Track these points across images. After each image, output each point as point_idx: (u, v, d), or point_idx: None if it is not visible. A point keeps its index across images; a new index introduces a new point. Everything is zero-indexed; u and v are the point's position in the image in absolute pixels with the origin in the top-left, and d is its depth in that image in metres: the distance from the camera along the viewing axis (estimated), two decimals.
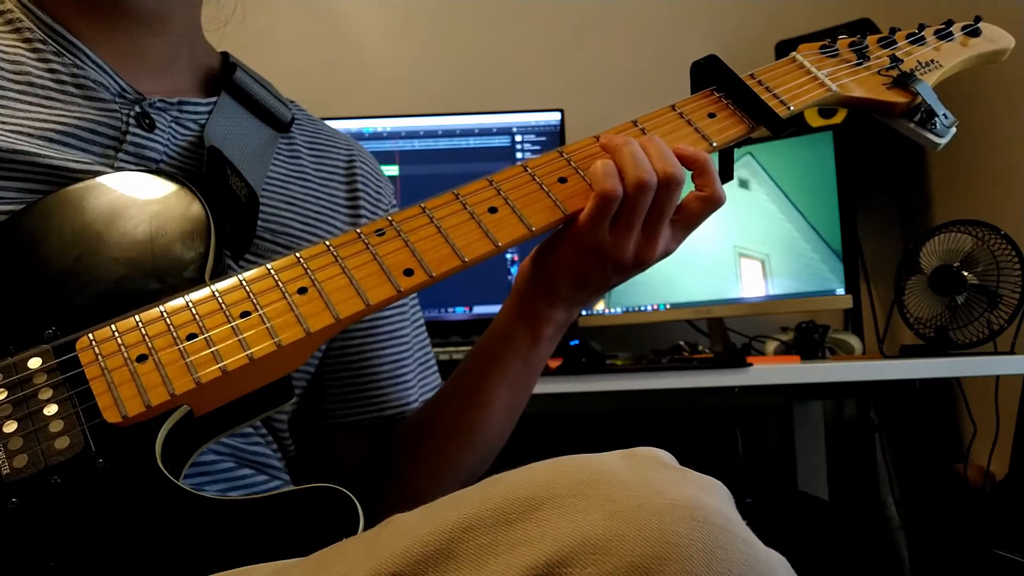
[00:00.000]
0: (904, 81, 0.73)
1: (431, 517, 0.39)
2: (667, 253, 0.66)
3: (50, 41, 0.66)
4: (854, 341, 1.70)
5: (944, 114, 0.73)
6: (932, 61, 0.77)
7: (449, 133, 1.78)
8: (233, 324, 0.55)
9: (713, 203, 0.65)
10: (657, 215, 0.63)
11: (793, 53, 0.76)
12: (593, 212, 0.62)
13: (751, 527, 0.38)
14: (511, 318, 0.71)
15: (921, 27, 0.80)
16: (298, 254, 0.59)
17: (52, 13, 0.67)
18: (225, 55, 0.79)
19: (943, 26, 0.80)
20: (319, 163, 0.80)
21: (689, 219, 0.66)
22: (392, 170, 1.76)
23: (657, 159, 0.63)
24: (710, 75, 0.72)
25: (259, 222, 0.69)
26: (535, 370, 0.73)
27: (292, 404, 0.72)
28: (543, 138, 1.80)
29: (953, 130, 0.74)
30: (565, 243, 0.65)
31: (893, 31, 0.80)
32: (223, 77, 0.75)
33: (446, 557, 0.37)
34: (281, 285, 0.57)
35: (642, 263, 0.64)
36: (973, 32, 0.80)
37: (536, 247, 0.68)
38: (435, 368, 0.85)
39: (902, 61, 0.76)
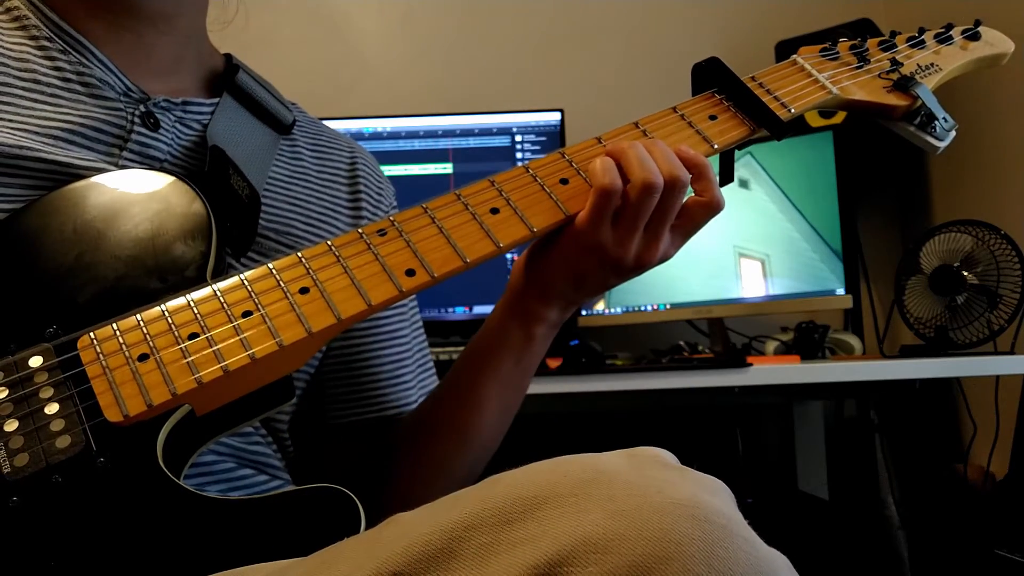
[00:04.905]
0: (904, 84, 0.74)
1: (432, 516, 0.39)
2: (666, 258, 0.66)
3: (56, 39, 0.66)
4: (854, 341, 1.70)
5: (944, 118, 0.74)
6: (932, 65, 0.77)
7: (449, 133, 1.78)
8: (235, 323, 0.55)
9: (712, 208, 0.65)
10: (660, 217, 0.63)
11: (794, 56, 0.76)
12: (593, 209, 0.62)
13: (751, 527, 0.38)
14: (504, 317, 0.70)
15: (921, 31, 0.80)
16: (300, 254, 0.59)
17: (59, 11, 0.67)
18: (228, 57, 0.79)
19: (943, 30, 0.80)
20: (321, 164, 0.80)
21: (688, 224, 0.66)
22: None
23: (663, 161, 0.62)
24: (711, 77, 0.72)
25: (262, 222, 0.69)
26: (528, 370, 0.72)
27: (292, 405, 0.72)
28: (543, 138, 1.80)
29: (952, 134, 0.74)
30: (564, 241, 0.64)
31: (893, 34, 0.80)
32: (226, 78, 0.75)
33: (447, 556, 0.37)
34: (283, 285, 0.57)
35: (641, 266, 0.64)
36: (973, 36, 0.80)
37: (532, 244, 0.68)
38: (433, 371, 0.85)
39: (902, 64, 0.76)
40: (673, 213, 0.64)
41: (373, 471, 0.78)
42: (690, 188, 0.65)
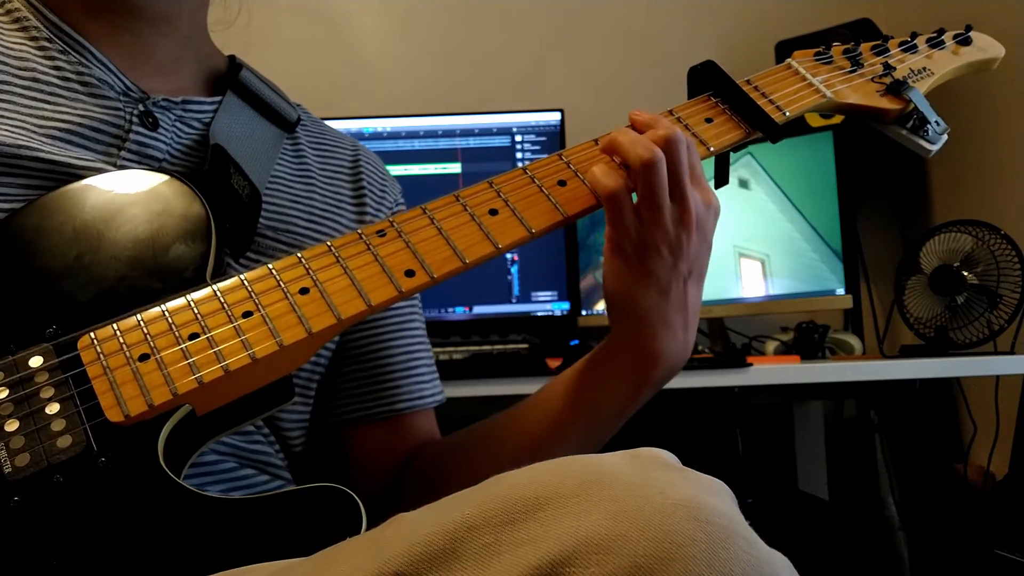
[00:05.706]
0: (897, 88, 0.74)
1: (435, 516, 0.39)
2: (709, 205, 0.64)
3: (56, 40, 0.66)
4: (854, 341, 1.70)
5: (936, 121, 0.74)
6: (924, 69, 0.78)
7: (449, 133, 1.78)
8: (235, 324, 0.56)
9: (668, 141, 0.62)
10: (676, 179, 0.62)
11: (788, 60, 0.77)
12: (611, 217, 0.62)
13: (752, 527, 0.38)
14: (607, 368, 0.67)
15: (913, 35, 0.81)
16: (300, 254, 0.59)
17: (58, 12, 0.67)
18: (232, 58, 0.79)
19: (935, 35, 0.81)
20: (324, 163, 0.80)
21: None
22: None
23: (651, 128, 0.63)
24: (707, 80, 0.72)
25: (263, 220, 0.69)
26: (624, 420, 0.70)
27: (296, 404, 0.72)
28: (543, 138, 1.80)
29: (945, 137, 0.75)
30: (612, 262, 0.64)
31: (886, 39, 0.81)
32: (229, 77, 0.76)
33: (449, 556, 0.37)
34: (283, 285, 0.58)
35: (687, 231, 0.62)
36: (964, 41, 0.81)
37: (605, 296, 0.66)
38: (435, 371, 0.85)
39: (895, 69, 0.77)
40: (684, 169, 0.62)
41: (387, 471, 0.77)
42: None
